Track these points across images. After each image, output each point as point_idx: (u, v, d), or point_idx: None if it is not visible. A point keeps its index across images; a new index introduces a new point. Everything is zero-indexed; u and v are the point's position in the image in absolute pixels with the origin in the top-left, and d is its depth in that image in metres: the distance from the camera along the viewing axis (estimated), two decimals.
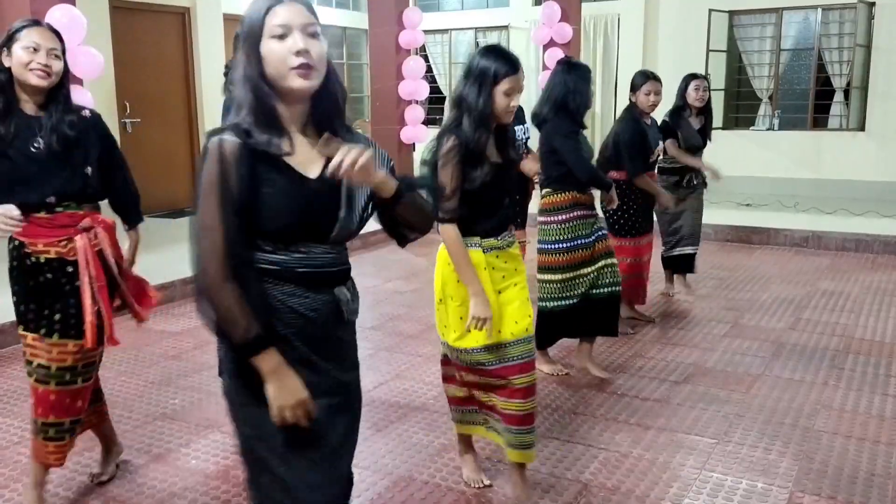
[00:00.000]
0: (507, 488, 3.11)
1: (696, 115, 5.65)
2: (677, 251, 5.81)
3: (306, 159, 1.79)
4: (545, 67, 8.81)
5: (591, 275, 4.14)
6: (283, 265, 1.79)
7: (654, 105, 4.94)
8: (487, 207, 2.85)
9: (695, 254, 5.87)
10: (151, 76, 8.93)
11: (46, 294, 2.80)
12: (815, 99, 10.82)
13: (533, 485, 3.16)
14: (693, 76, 5.67)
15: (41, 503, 2.97)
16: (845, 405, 3.99)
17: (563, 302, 4.16)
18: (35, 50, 2.65)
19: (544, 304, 4.20)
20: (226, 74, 3.51)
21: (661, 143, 5.12)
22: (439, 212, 2.74)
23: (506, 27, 12.64)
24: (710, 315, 5.54)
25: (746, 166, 10.34)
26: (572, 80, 4.05)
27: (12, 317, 4.88)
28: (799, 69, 11.14)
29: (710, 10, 10.47)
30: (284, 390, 1.75)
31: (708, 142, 5.73)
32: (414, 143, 9.45)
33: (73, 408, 2.89)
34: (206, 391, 4.20)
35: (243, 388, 1.82)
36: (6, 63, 2.68)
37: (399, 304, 5.96)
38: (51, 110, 2.71)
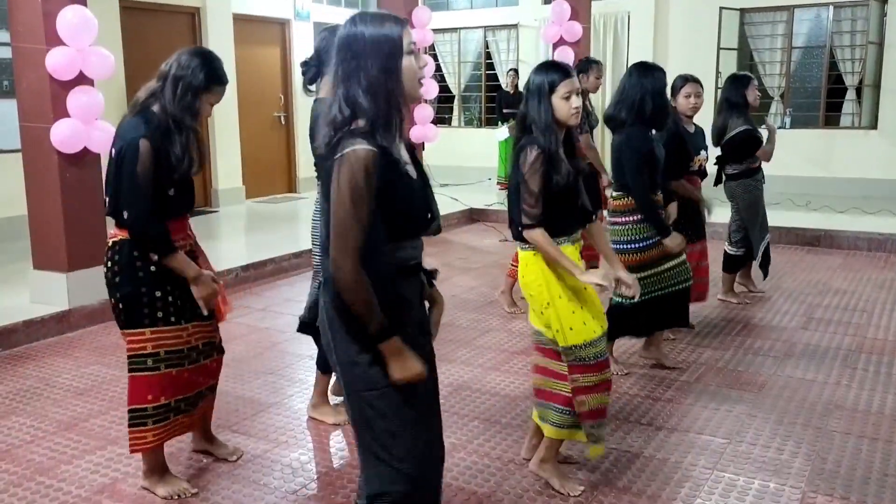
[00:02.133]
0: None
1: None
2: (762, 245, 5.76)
3: (405, 162, 2.06)
4: None
5: (664, 273, 4.18)
6: (408, 257, 2.07)
7: (696, 108, 4.72)
8: (569, 208, 3.06)
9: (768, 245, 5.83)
10: None
11: (183, 282, 3.04)
12: (827, 97, 10.76)
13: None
14: (749, 76, 5.65)
15: (177, 479, 3.19)
16: (858, 404, 3.96)
17: (634, 299, 4.11)
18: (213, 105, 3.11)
19: (617, 298, 4.22)
20: (304, 73, 3.51)
21: (704, 151, 4.83)
22: (526, 218, 2.96)
23: (515, 26, 12.61)
24: (721, 314, 5.51)
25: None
26: (650, 83, 3.97)
27: (23, 317, 5.03)
28: (810, 67, 11.09)
29: (721, 8, 10.43)
30: (405, 367, 2.01)
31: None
32: (423, 143, 9.45)
33: (193, 384, 3.15)
34: (219, 390, 4.19)
35: (383, 373, 2.03)
36: (196, 105, 3.00)
37: None
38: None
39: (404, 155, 2.05)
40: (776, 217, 8.41)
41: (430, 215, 2.08)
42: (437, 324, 2.26)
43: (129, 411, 3.04)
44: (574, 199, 3.05)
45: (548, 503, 3.05)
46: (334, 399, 3.89)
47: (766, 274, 5.95)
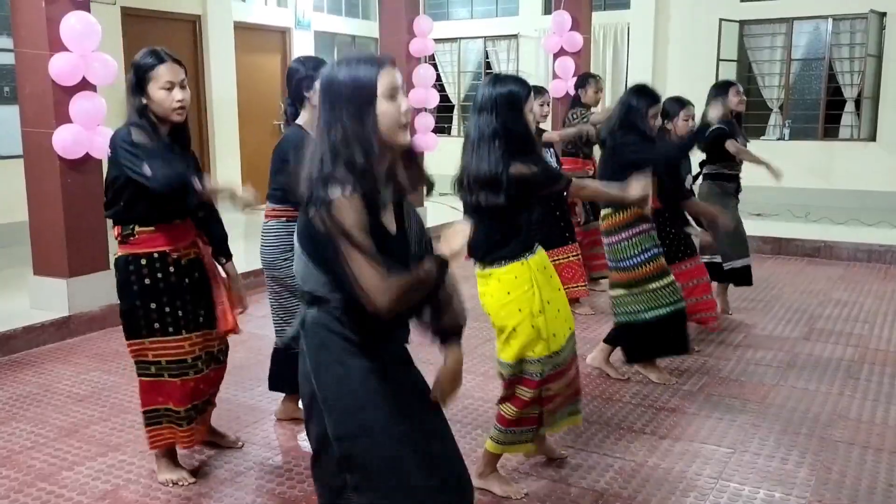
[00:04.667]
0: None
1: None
2: (740, 263, 5.56)
3: (387, 213, 1.97)
4: (555, 76, 8.81)
5: (654, 293, 4.14)
6: None
7: (690, 130, 4.68)
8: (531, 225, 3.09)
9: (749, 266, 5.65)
10: None
11: (188, 291, 3.10)
12: (826, 109, 10.79)
13: (548, 493, 3.14)
14: (730, 83, 5.58)
15: (180, 469, 3.28)
16: (862, 415, 3.95)
17: (646, 315, 4.17)
18: (170, 89, 2.94)
19: (627, 317, 4.22)
20: (285, 112, 3.64)
21: (689, 174, 4.80)
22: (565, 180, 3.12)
23: (515, 36, 12.64)
24: (723, 324, 5.50)
25: (757, 176, 10.18)
26: (635, 100, 4.13)
27: (23, 323, 5.00)
28: (809, 79, 11.12)
29: (721, 20, 10.47)
30: (458, 376, 2.19)
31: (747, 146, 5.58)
32: (423, 152, 9.44)
33: (200, 392, 3.20)
34: (219, 398, 4.16)
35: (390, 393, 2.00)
36: (145, 100, 2.95)
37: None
38: (182, 139, 3.10)
39: (386, 206, 1.97)
40: (776, 228, 8.44)
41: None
42: (442, 389, 2.14)
43: (144, 413, 3.16)
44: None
45: None
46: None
47: (736, 284, 5.72)
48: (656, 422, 3.87)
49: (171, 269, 3.05)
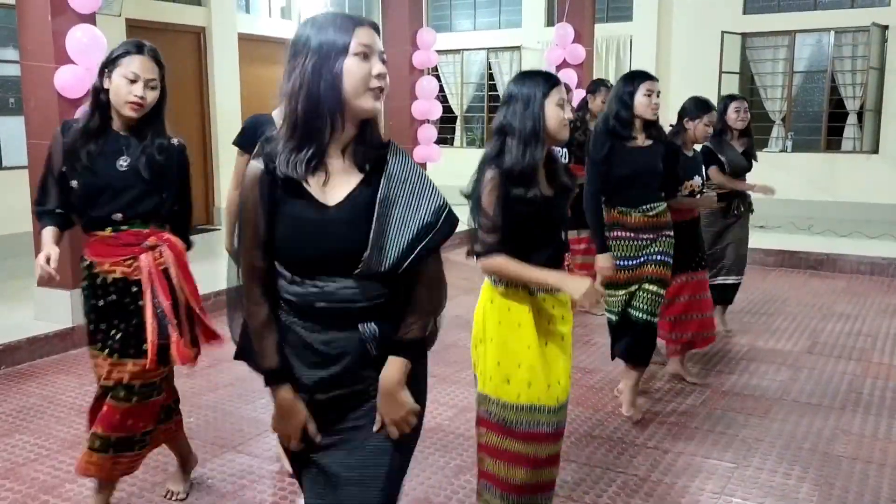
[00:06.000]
0: None
1: (737, 138, 5.33)
2: (719, 280, 5.33)
3: (335, 184, 1.74)
4: None
5: (624, 297, 3.92)
6: (302, 298, 1.76)
7: (708, 137, 4.67)
8: (538, 241, 2.64)
9: (737, 284, 5.48)
10: (167, 94, 8.96)
11: (112, 314, 2.80)
12: (829, 121, 10.81)
13: None
14: (732, 97, 5.41)
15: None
16: (864, 430, 3.95)
17: (613, 316, 4.01)
18: (133, 81, 2.72)
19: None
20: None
21: (696, 177, 4.54)
22: (481, 247, 2.57)
23: (518, 48, 12.69)
24: (725, 338, 5.50)
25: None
26: (613, 92, 3.97)
27: (27, 334, 5.02)
28: (812, 91, 11.15)
29: (723, 33, 10.50)
30: (284, 421, 1.87)
31: (754, 162, 5.42)
32: (426, 163, 9.47)
33: (124, 426, 2.82)
34: (222, 410, 4.19)
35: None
36: (106, 84, 2.75)
37: None
38: (146, 133, 2.81)
39: (335, 174, 1.73)
40: (779, 240, 8.44)
41: (345, 254, 1.71)
42: (388, 416, 1.82)
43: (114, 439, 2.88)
44: (541, 228, 2.65)
45: None
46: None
47: (723, 303, 5.55)
48: (658, 435, 3.87)
49: (111, 288, 2.79)
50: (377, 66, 1.70)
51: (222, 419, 4.07)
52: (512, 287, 2.63)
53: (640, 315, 3.89)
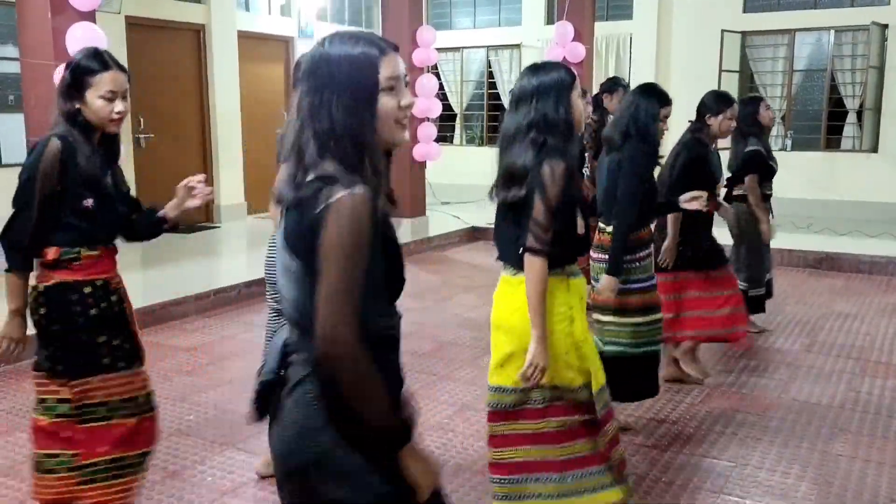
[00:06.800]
0: None
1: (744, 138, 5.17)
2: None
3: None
4: None
5: (642, 326, 3.60)
6: (398, 328, 1.68)
7: (731, 132, 4.44)
8: (573, 233, 2.63)
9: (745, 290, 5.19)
10: (166, 92, 9.00)
11: (121, 320, 2.77)
12: (828, 120, 10.82)
13: None
14: (754, 98, 5.30)
15: None
16: (863, 429, 3.96)
17: (615, 347, 3.61)
18: (111, 99, 2.62)
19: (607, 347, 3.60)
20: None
21: (722, 174, 4.45)
22: (536, 242, 2.48)
23: (518, 46, 12.69)
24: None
25: None
26: (645, 101, 3.60)
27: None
28: (812, 90, 11.16)
29: (723, 31, 10.51)
30: (428, 471, 1.61)
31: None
32: (426, 161, 9.50)
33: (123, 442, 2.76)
34: (222, 408, 4.20)
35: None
36: (77, 105, 2.63)
37: (410, 322, 5.94)
38: (113, 149, 2.76)
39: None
40: (778, 239, 8.38)
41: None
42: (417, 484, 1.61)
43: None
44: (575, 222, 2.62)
45: None
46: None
47: (762, 309, 5.54)
48: (658, 434, 3.88)
49: (113, 297, 2.76)
50: (405, 98, 1.60)
51: (222, 417, 4.08)
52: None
53: (650, 346, 3.66)
